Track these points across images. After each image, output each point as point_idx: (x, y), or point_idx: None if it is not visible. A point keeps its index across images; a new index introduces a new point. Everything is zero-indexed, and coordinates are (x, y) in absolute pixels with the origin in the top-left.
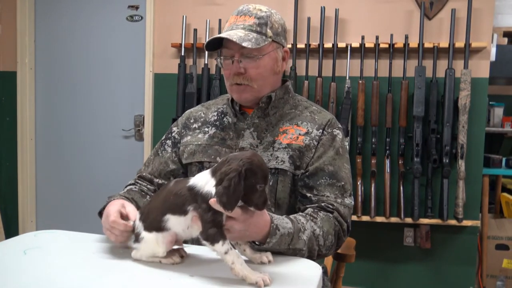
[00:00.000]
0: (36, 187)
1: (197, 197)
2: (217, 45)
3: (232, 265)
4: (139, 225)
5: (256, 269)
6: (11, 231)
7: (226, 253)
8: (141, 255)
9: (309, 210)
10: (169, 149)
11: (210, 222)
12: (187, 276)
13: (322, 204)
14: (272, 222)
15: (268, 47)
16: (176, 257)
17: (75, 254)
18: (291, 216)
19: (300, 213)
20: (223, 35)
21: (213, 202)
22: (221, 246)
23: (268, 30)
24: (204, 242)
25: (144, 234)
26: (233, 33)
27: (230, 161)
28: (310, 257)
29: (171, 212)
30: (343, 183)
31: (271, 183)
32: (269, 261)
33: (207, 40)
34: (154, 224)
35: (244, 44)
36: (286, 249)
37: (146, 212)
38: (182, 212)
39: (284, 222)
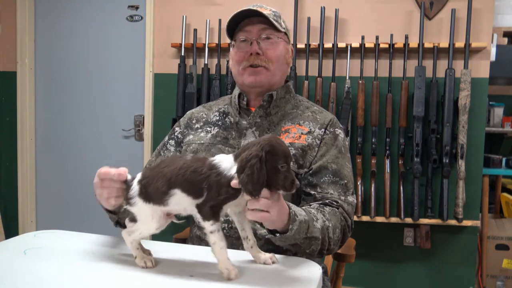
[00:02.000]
0: (36, 187)
1: (219, 177)
2: (232, 30)
3: (213, 245)
4: (136, 188)
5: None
6: (11, 231)
7: (211, 232)
8: (130, 230)
9: (315, 205)
10: (172, 149)
11: (213, 201)
12: (187, 276)
13: (327, 201)
14: (290, 208)
15: (283, 36)
16: (150, 262)
17: (75, 254)
18: (301, 207)
19: (306, 206)
20: (251, 7)
21: (234, 184)
22: (210, 225)
23: (282, 23)
24: (197, 214)
25: (138, 200)
26: (258, 11)
27: (250, 147)
28: (321, 251)
29: (182, 188)
30: (346, 181)
31: None
32: (273, 262)
33: (232, 15)
34: (156, 194)
35: (271, 19)
36: (303, 238)
37: (150, 176)
38: (196, 192)
39: (298, 209)
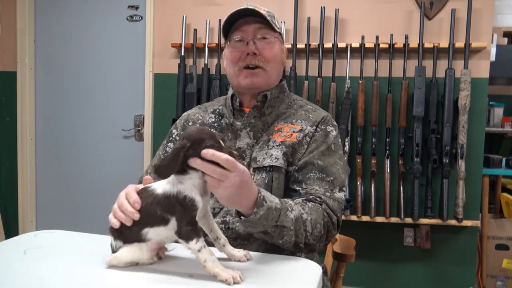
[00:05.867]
0: (36, 187)
1: (170, 200)
2: (227, 31)
3: (204, 263)
4: (117, 244)
5: (235, 265)
6: (11, 231)
7: (199, 251)
8: (119, 261)
9: (298, 200)
10: None
11: (184, 220)
12: (187, 276)
13: (310, 196)
14: (259, 192)
15: (278, 36)
16: (154, 256)
17: (75, 254)
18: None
19: (288, 199)
20: (247, 6)
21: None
22: (195, 244)
23: (277, 23)
24: (179, 240)
25: (125, 246)
26: (254, 11)
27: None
28: (297, 243)
29: (149, 225)
30: (332, 178)
31: (266, 181)
32: (248, 259)
33: (229, 14)
34: (134, 237)
35: (268, 18)
36: (273, 226)
37: (119, 231)
38: (161, 221)
39: (271, 197)
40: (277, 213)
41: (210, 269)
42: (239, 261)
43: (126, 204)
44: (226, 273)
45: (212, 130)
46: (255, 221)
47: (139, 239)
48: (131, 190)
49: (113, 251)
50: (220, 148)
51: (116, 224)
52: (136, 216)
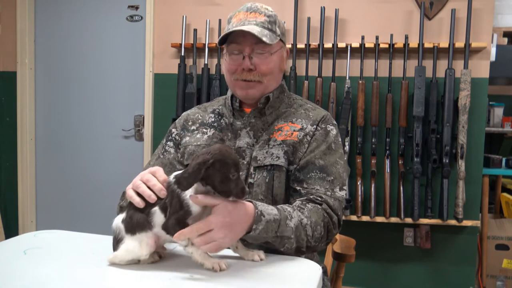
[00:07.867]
0: (36, 187)
1: (173, 193)
2: (223, 39)
3: (191, 254)
4: (121, 227)
5: (248, 266)
6: (11, 231)
7: (186, 246)
8: (121, 260)
9: (297, 202)
10: (172, 150)
11: (174, 214)
12: (187, 276)
13: (311, 196)
14: (256, 208)
15: (277, 45)
16: (156, 255)
17: (75, 254)
18: (277, 206)
19: (287, 204)
20: (243, 28)
21: (193, 198)
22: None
23: (277, 29)
24: (167, 236)
25: (127, 237)
26: (251, 28)
27: (198, 156)
28: (298, 248)
29: (159, 206)
30: (333, 177)
31: (267, 180)
32: (261, 259)
33: (221, 35)
34: (140, 220)
35: (264, 39)
36: (273, 237)
37: (130, 214)
38: (164, 208)
39: (269, 209)
40: (276, 224)
41: (196, 258)
42: (252, 260)
43: (154, 180)
44: (211, 262)
45: (213, 129)
46: (255, 237)
47: (145, 219)
48: (157, 169)
49: (115, 244)
50: (238, 179)
51: (140, 203)
52: (163, 193)
